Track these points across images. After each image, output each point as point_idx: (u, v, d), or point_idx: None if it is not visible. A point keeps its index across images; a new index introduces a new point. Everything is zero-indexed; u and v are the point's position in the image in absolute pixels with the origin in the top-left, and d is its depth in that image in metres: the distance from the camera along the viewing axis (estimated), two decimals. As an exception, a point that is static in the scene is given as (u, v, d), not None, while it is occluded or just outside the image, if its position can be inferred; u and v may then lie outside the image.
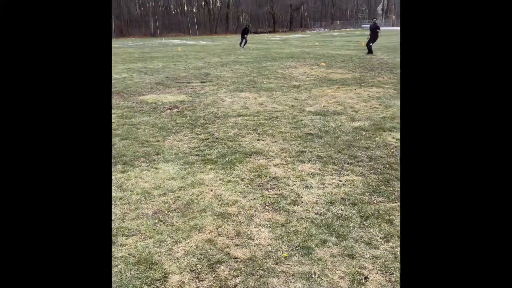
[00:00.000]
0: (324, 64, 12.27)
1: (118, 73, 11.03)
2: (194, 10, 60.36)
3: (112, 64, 9.94)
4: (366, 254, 2.31)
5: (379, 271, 2.17)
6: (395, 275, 2.13)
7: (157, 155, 4.10)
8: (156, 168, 3.71)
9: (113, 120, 5.46)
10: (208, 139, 4.66)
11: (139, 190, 3.23)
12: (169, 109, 6.43)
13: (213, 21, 59.92)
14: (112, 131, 4.84)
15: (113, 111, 6.05)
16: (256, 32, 55.66)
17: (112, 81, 7.49)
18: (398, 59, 11.92)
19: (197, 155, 4.10)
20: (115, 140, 4.60)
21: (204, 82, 9.30)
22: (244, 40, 21.75)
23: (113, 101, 6.93)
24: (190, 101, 7.02)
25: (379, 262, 2.24)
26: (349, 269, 2.18)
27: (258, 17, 65.75)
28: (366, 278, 2.12)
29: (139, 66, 13.03)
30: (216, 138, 4.68)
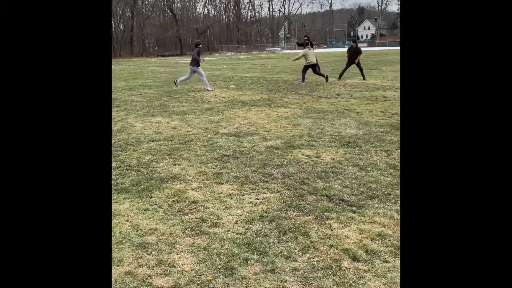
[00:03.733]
0: (234, 86, 12.61)
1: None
2: (95, 32, 57.60)
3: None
4: (286, 268, 2.42)
5: (299, 283, 2.29)
6: (313, 284, 2.27)
7: (63, 188, 3.81)
8: (63, 202, 3.45)
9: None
10: (120, 167, 4.48)
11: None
12: (74, 137, 6.03)
13: (116, 44, 57.82)
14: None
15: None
16: (163, 55, 55.10)
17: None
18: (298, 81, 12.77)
19: (109, 184, 3.90)
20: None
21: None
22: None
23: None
24: (97, 128, 6.66)
25: (299, 273, 2.37)
26: (272, 284, 2.27)
27: (164, 41, 65.24)
28: (288, 290, 2.22)
29: (35, 92, 11.99)
30: (129, 166, 4.51)
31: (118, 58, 48.72)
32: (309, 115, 7.43)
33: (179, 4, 67.45)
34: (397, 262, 2.44)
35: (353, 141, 5.38)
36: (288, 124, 6.69)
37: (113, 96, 10.90)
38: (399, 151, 4.58)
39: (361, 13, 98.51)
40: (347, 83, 12.48)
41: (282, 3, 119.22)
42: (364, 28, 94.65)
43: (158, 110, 8.39)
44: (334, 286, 2.24)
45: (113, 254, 2.59)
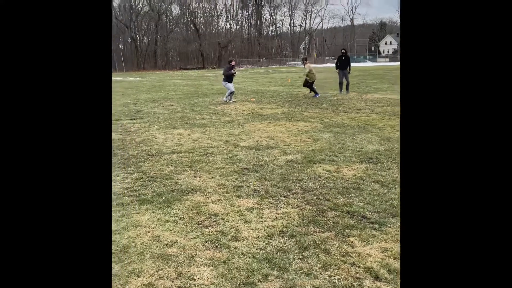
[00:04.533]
0: (254, 99, 12.69)
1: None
2: (120, 46, 59.32)
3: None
4: (307, 285, 2.39)
5: (320, 300, 2.25)
6: (335, 302, 2.22)
7: (87, 197, 3.89)
8: (87, 212, 3.51)
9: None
10: (142, 178, 4.54)
11: (69, 237, 3.02)
12: (98, 148, 6.16)
13: (140, 57, 59.29)
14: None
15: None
16: (185, 69, 56.13)
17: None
18: (322, 95, 12.74)
19: (131, 195, 3.96)
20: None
21: (134, 119, 9.10)
22: None
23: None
24: (120, 139, 6.80)
25: (320, 291, 2.33)
26: (292, 301, 2.23)
27: (187, 54, 66.46)
28: (308, 308, 2.18)
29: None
30: (151, 177, 4.57)
31: (142, 71, 49.88)
32: (330, 129, 7.39)
33: (202, 19, 68.80)
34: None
35: (375, 157, 5.31)
36: (308, 138, 6.66)
37: (136, 108, 11.14)
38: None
39: (383, 28, 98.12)
40: (368, 98, 12.38)
41: (303, 18, 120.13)
42: (386, 43, 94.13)
43: (179, 122, 8.51)
44: (356, 306, 2.19)
45: (134, 265, 2.61)
